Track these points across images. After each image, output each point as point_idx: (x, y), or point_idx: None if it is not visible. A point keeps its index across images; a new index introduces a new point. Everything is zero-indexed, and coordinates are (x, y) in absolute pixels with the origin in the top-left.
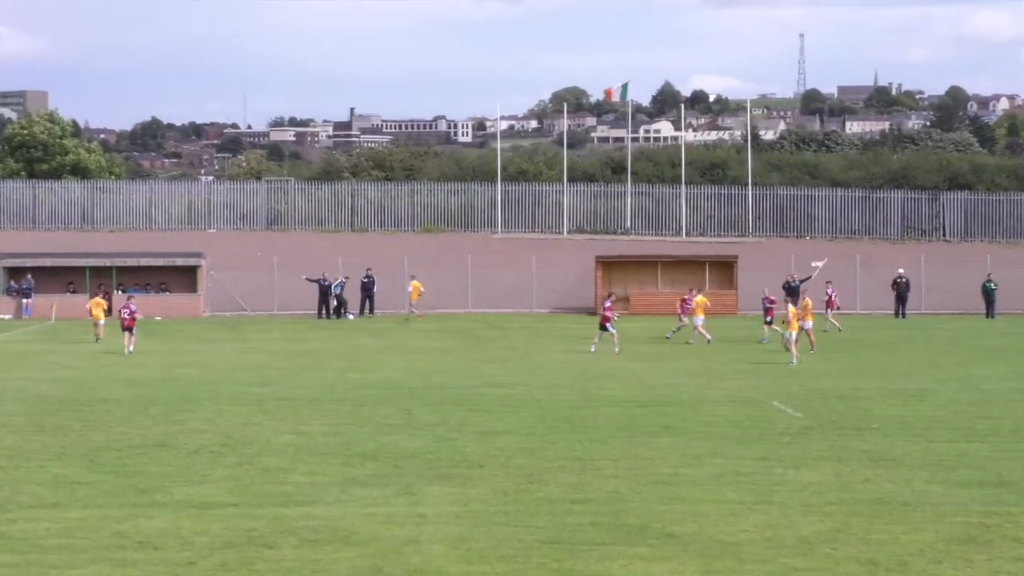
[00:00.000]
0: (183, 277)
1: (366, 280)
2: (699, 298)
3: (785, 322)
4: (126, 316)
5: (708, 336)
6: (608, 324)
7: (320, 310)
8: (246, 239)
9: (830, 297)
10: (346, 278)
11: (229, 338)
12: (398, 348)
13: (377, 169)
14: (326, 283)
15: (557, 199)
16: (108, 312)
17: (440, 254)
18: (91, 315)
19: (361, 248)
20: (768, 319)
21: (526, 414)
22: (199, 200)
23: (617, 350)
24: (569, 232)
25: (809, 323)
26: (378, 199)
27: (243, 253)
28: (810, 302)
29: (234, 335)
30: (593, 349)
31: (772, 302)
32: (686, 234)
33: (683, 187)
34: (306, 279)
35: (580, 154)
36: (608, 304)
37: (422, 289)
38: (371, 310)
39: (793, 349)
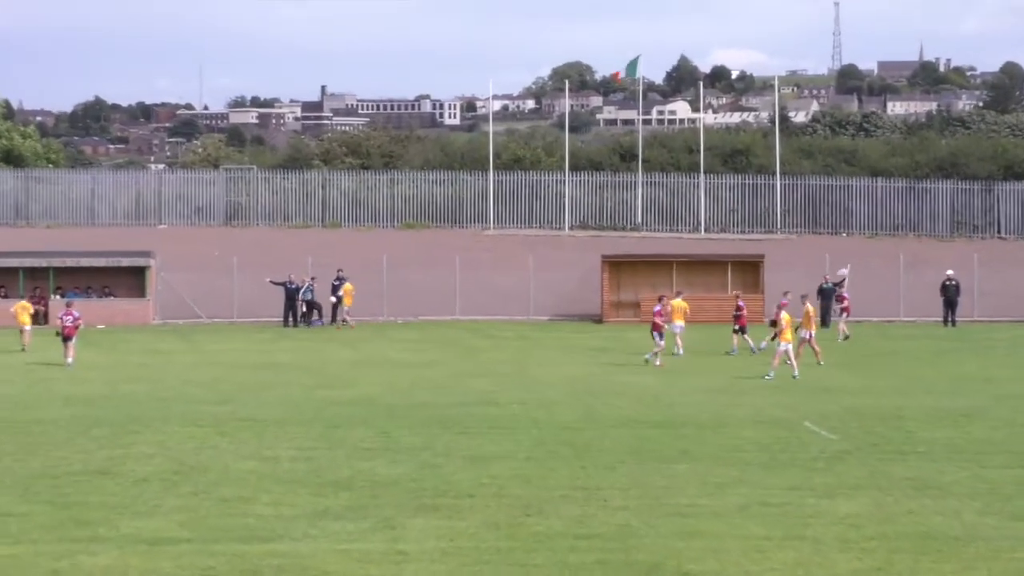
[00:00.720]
0: (129, 279)
1: (337, 283)
2: (677, 301)
3: (776, 335)
4: (69, 323)
5: (680, 349)
6: (659, 332)
7: (286, 317)
8: (202, 236)
9: (844, 302)
10: (313, 279)
11: (182, 349)
12: (375, 361)
13: (352, 156)
14: (292, 286)
15: (558, 190)
16: (44, 318)
17: (424, 253)
18: (16, 320)
19: (333, 246)
20: (737, 327)
21: (523, 436)
22: (148, 191)
23: (649, 357)
24: (571, 228)
25: (808, 332)
26: (353, 190)
27: (198, 252)
28: (811, 309)
29: (188, 346)
30: (658, 363)
31: (740, 309)
32: (705, 230)
33: (702, 176)
34: (270, 282)
35: (584, 139)
36: (658, 308)
37: (353, 292)
38: (344, 318)
39: (794, 361)
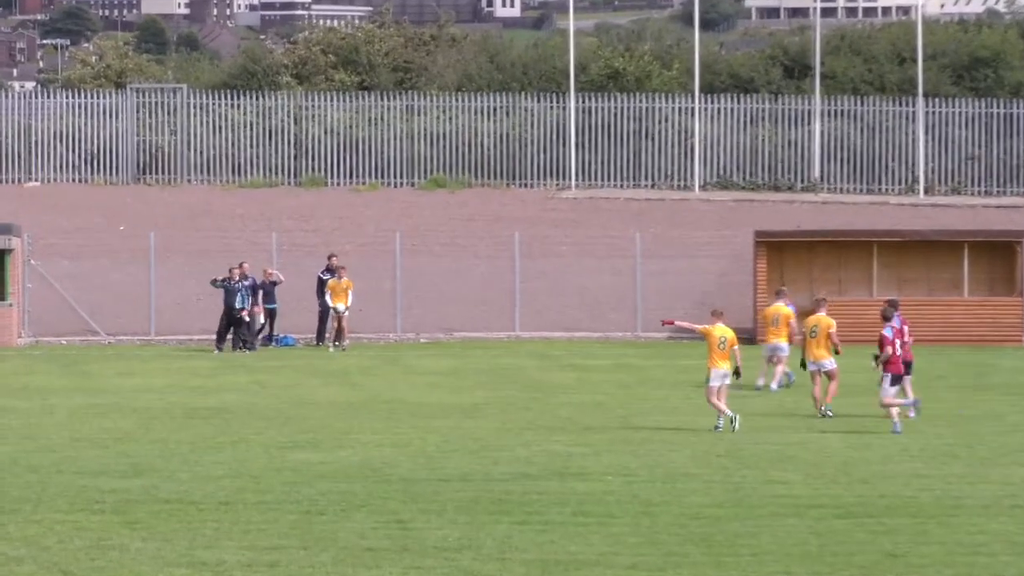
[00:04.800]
0: None
1: (328, 277)
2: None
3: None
4: None
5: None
6: (907, 369)
7: (221, 335)
8: (98, 200)
9: None
10: (268, 275)
11: (67, 386)
12: (382, 403)
13: (344, 69)
14: (234, 284)
15: (682, 124)
16: None
17: (462, 228)
18: None
19: (314, 215)
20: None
21: (626, 528)
22: (9, 126)
23: (912, 412)
24: (705, 187)
25: (827, 363)
26: (345, 125)
27: (92, 226)
28: (824, 322)
29: (76, 380)
30: (912, 414)
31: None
32: (926, 191)
33: (919, 102)
34: (213, 283)
35: (726, 40)
36: (898, 323)
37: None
38: (338, 334)
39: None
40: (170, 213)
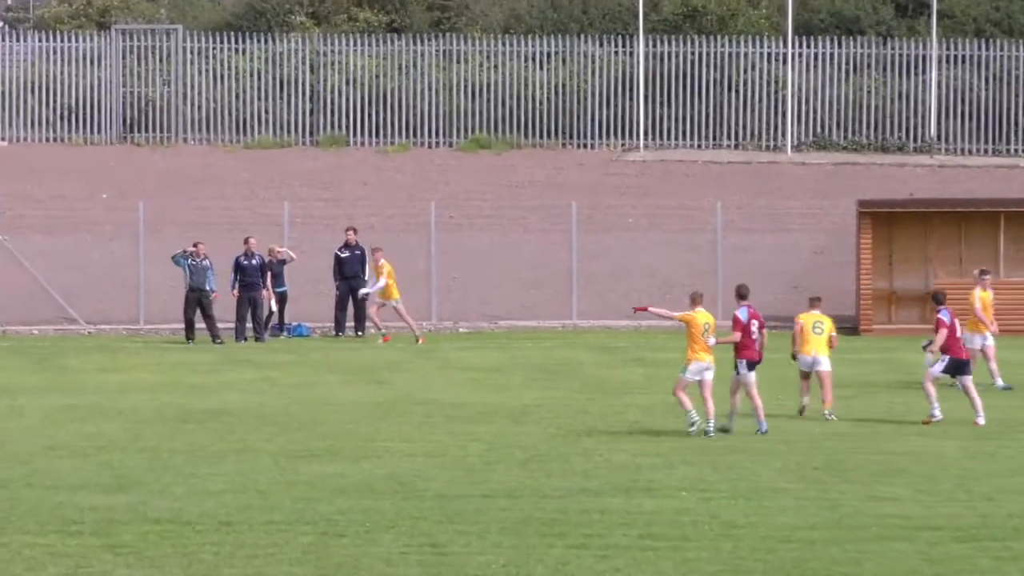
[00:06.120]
0: None
1: (346, 255)
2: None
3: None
4: None
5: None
6: (958, 368)
7: (189, 324)
8: (77, 162)
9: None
10: (276, 254)
11: (39, 384)
12: (414, 405)
13: (369, 8)
14: (195, 262)
15: (772, 74)
16: None
17: (509, 196)
18: None
19: (334, 181)
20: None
21: (702, 552)
22: None
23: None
24: (798, 147)
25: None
26: (370, 75)
27: (71, 194)
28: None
29: (49, 377)
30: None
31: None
32: None
33: None
34: (174, 259)
35: None
36: (946, 321)
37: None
38: (359, 322)
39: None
40: (162, 179)
